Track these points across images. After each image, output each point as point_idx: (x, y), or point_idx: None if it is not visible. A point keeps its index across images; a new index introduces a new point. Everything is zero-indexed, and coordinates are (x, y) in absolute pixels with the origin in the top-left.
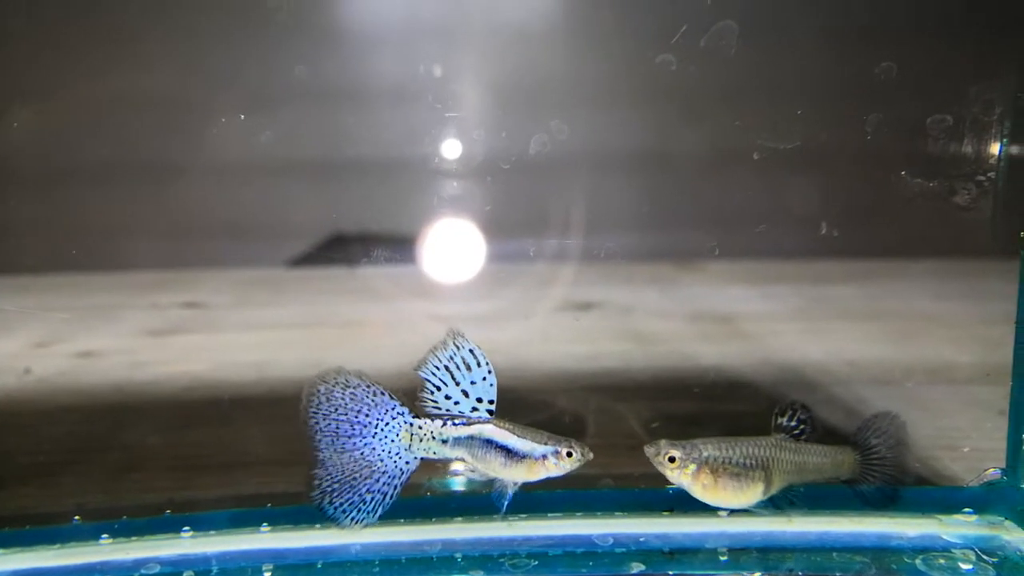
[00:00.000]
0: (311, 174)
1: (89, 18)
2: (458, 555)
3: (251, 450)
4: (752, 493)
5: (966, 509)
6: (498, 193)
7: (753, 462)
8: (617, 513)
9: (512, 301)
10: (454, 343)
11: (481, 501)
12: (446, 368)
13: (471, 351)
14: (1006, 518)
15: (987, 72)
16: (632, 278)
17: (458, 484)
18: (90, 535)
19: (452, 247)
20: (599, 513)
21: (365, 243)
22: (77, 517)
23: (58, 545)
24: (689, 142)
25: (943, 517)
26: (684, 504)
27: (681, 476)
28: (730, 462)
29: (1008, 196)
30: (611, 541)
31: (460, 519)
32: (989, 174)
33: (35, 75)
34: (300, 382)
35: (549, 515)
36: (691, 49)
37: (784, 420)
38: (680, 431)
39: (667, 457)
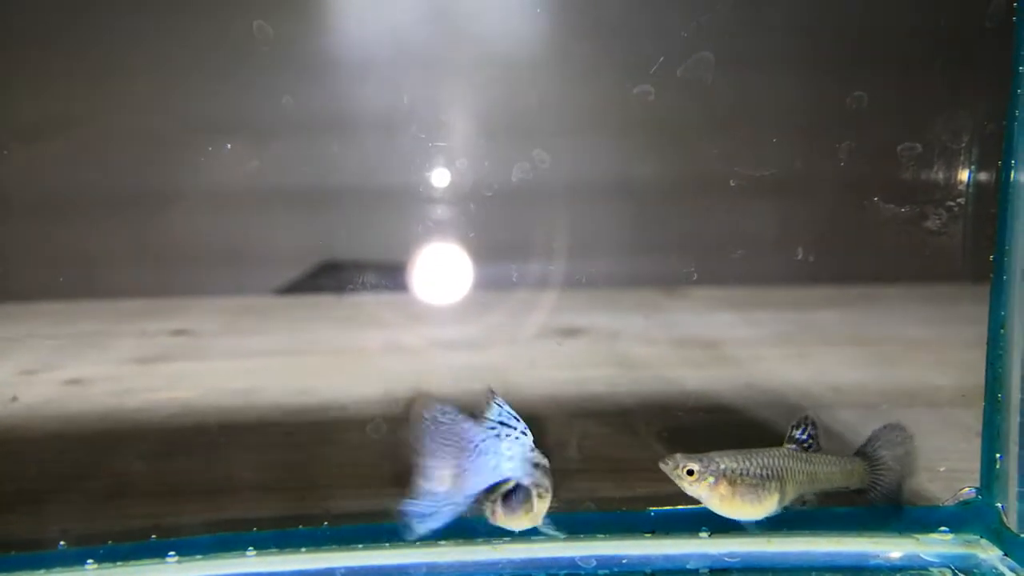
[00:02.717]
0: (298, 202)
1: (76, 51)
2: None
3: (237, 476)
4: (768, 503)
5: (942, 528)
6: (483, 220)
7: (768, 473)
8: (599, 536)
9: (498, 327)
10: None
11: (465, 525)
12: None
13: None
14: (981, 536)
15: (955, 102)
16: (617, 304)
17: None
18: (75, 560)
19: (438, 274)
20: (582, 536)
21: (352, 270)
22: (62, 542)
23: (43, 570)
24: (669, 170)
25: (920, 536)
26: (665, 526)
27: (699, 489)
28: (747, 473)
29: (977, 221)
30: (594, 563)
31: (444, 543)
32: (959, 200)
33: (23, 106)
34: (287, 409)
35: (533, 538)
36: (668, 79)
37: (797, 432)
38: (664, 452)
39: (685, 471)
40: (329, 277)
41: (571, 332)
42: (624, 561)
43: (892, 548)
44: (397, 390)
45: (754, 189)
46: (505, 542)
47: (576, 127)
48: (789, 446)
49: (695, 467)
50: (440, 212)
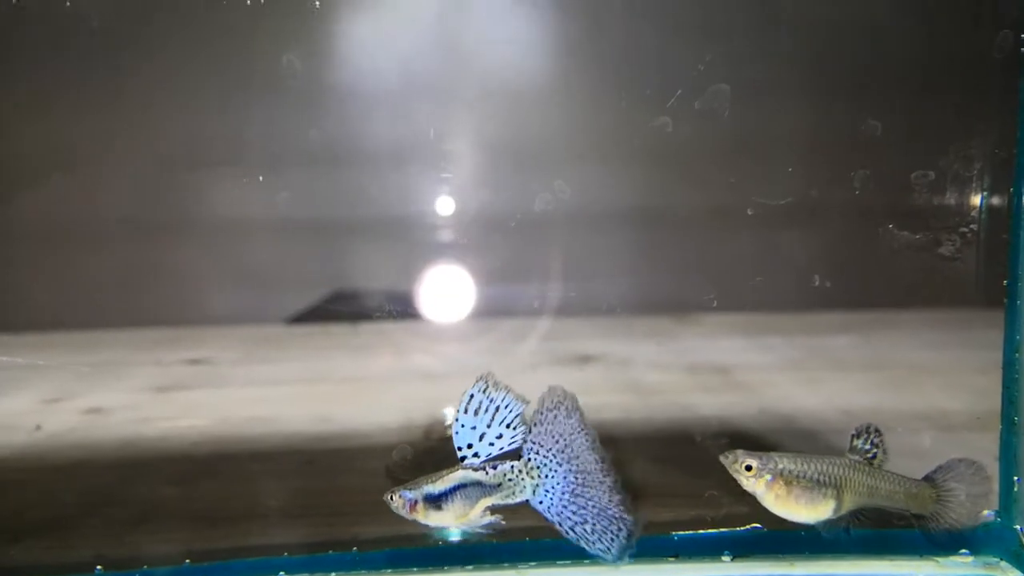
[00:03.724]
0: (313, 232)
1: (95, 81)
2: None
3: (262, 503)
4: (823, 509)
5: (963, 551)
6: (497, 249)
7: (827, 479)
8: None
9: (512, 354)
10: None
11: (490, 549)
12: None
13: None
14: (1001, 558)
15: (967, 129)
16: (630, 331)
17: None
18: None
19: (452, 301)
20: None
21: (365, 299)
22: (99, 567)
23: None
24: (687, 199)
25: (941, 559)
26: (688, 550)
27: (756, 485)
28: (804, 476)
29: (990, 247)
30: None
31: (471, 567)
32: (972, 226)
33: (43, 135)
34: (307, 436)
35: (558, 562)
36: (687, 111)
37: (859, 442)
38: (683, 477)
39: (744, 466)
40: (342, 305)
41: (585, 359)
42: None
43: (912, 571)
44: (416, 417)
45: (770, 218)
46: (531, 566)
47: (596, 157)
48: (851, 456)
49: (754, 463)
50: (453, 241)
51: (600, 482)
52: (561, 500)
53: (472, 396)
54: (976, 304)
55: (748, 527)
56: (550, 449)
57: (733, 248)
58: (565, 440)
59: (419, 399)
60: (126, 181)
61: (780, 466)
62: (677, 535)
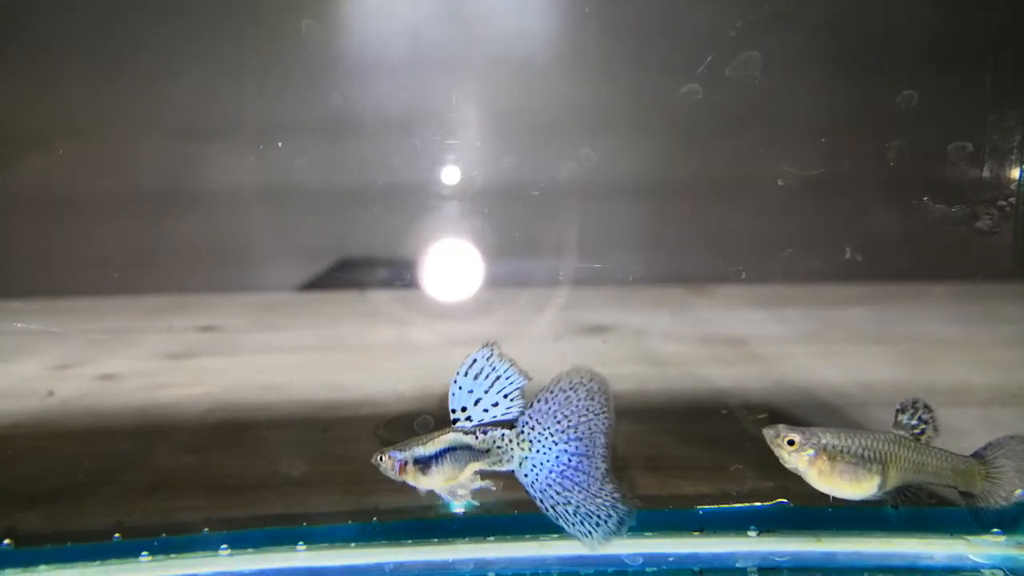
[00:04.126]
0: (320, 200)
1: (101, 52)
2: (491, 573)
3: (278, 471)
4: (867, 485)
5: (994, 529)
6: (511, 217)
7: (871, 454)
8: (647, 533)
9: (525, 323)
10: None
11: (513, 521)
12: None
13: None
14: None
15: (1005, 100)
16: (643, 302)
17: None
18: (131, 552)
19: (463, 271)
20: (629, 533)
21: (374, 267)
22: (118, 535)
23: (99, 562)
24: (713, 169)
25: (971, 538)
26: (714, 524)
27: (798, 460)
28: (848, 451)
29: None
30: (640, 561)
31: (492, 539)
32: (1010, 199)
33: (52, 104)
34: (320, 404)
35: None
36: (716, 78)
37: (905, 417)
38: (704, 450)
39: (786, 440)
40: (348, 273)
41: (599, 329)
42: (671, 559)
43: (943, 549)
44: (431, 386)
45: (802, 188)
46: (552, 539)
47: (619, 127)
48: (896, 431)
49: (796, 438)
50: (462, 209)
51: (596, 468)
52: (548, 478)
53: (475, 361)
54: (1010, 278)
55: (774, 502)
56: (547, 427)
57: (761, 220)
58: (569, 421)
59: (434, 367)
60: (134, 150)
61: (823, 441)
62: (702, 509)
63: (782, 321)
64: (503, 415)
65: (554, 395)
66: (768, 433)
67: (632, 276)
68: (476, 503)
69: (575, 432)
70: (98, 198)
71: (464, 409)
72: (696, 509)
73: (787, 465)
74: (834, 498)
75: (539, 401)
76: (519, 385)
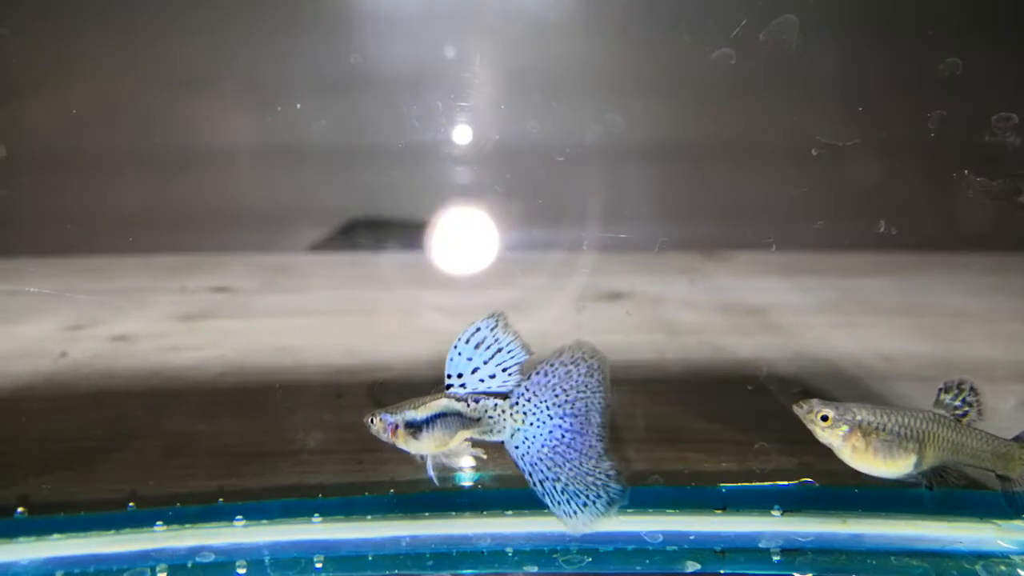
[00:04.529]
0: (332, 160)
1: (111, 9)
2: (509, 549)
3: (293, 438)
4: (903, 463)
5: None
6: (528, 182)
7: (908, 432)
8: (668, 511)
9: (540, 289)
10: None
11: (532, 495)
12: None
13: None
14: None
15: None
16: (661, 268)
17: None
18: (145, 521)
19: (479, 236)
20: (650, 510)
21: (382, 228)
22: (132, 503)
23: (113, 531)
24: (738, 136)
25: (1001, 522)
26: (737, 503)
27: (832, 436)
28: (884, 428)
29: None
30: (660, 538)
31: (511, 513)
32: None
33: (66, 61)
34: (335, 369)
35: None
36: (751, 43)
37: (948, 397)
38: (725, 425)
39: (820, 416)
40: (360, 234)
41: (615, 296)
42: (692, 537)
43: (971, 534)
44: (445, 350)
45: (835, 158)
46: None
47: (654, 89)
48: (937, 410)
49: (830, 413)
50: (477, 173)
51: (591, 447)
52: (539, 452)
53: (479, 329)
54: None
55: (799, 481)
56: (544, 400)
57: (789, 188)
58: (567, 396)
59: (447, 332)
60: (148, 108)
61: (858, 417)
62: (725, 487)
63: (800, 290)
64: (498, 387)
65: (555, 368)
66: (801, 408)
67: (658, 246)
68: (465, 470)
69: (571, 408)
70: (111, 157)
71: (460, 376)
72: (719, 487)
73: (821, 440)
74: (863, 477)
75: (538, 373)
76: (519, 360)
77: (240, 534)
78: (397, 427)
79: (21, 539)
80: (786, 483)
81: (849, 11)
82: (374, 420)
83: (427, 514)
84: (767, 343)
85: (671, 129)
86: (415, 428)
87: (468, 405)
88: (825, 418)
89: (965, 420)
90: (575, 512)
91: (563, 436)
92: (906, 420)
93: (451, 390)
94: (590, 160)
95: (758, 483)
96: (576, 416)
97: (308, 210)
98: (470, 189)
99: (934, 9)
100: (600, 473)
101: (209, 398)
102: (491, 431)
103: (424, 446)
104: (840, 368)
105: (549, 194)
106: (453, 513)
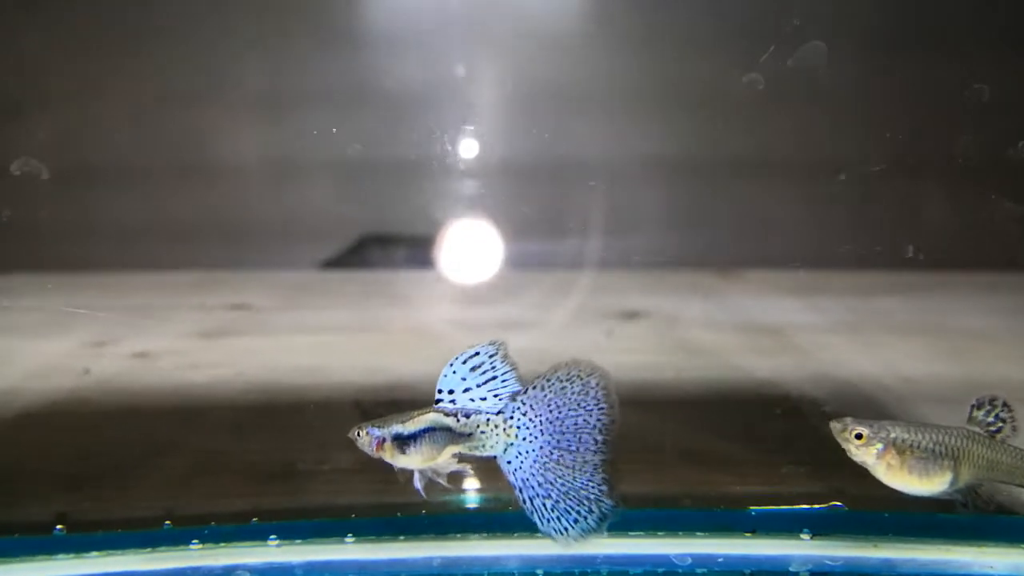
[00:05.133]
0: (351, 175)
1: (129, 25)
2: (539, 571)
3: (320, 456)
4: (938, 481)
5: None
6: (542, 199)
7: (943, 450)
8: (697, 534)
9: (557, 310)
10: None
11: None
12: None
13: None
14: None
15: None
16: (675, 287)
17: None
18: (181, 540)
19: (498, 254)
20: (680, 533)
21: (395, 244)
22: (168, 522)
23: (150, 549)
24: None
25: None
26: (766, 526)
27: (866, 455)
28: (918, 446)
29: None
30: (690, 561)
31: (540, 535)
32: None
33: (80, 72)
34: (358, 387)
35: (630, 533)
36: (778, 68)
37: (981, 414)
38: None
39: (854, 434)
40: (371, 251)
41: (630, 315)
42: (721, 560)
43: (1001, 559)
44: None
45: (864, 183)
46: (603, 538)
47: (678, 107)
48: (971, 427)
49: (864, 431)
50: (484, 187)
51: (585, 462)
52: (532, 468)
53: (477, 354)
54: None
55: (828, 505)
56: (539, 415)
57: (818, 208)
58: (561, 412)
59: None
60: (162, 125)
61: (892, 435)
62: (755, 510)
63: (816, 310)
64: (486, 408)
65: (550, 384)
66: (835, 426)
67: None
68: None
69: (561, 425)
70: (122, 173)
71: (451, 392)
72: (748, 510)
73: (855, 459)
74: (894, 501)
75: (534, 388)
76: (512, 391)
77: (274, 554)
78: (384, 441)
79: (60, 556)
80: (816, 507)
81: (874, 38)
82: (360, 433)
83: (458, 535)
84: (785, 363)
85: (697, 148)
86: (403, 442)
87: (458, 420)
88: (859, 436)
89: (999, 436)
90: (565, 529)
91: (552, 453)
92: (940, 437)
93: (440, 405)
94: (602, 173)
95: (787, 506)
96: (564, 434)
97: (319, 224)
98: (482, 203)
99: (959, 37)
100: (592, 488)
101: (233, 416)
102: (483, 446)
103: (411, 460)
104: (860, 389)
105: (557, 209)
106: (485, 534)
